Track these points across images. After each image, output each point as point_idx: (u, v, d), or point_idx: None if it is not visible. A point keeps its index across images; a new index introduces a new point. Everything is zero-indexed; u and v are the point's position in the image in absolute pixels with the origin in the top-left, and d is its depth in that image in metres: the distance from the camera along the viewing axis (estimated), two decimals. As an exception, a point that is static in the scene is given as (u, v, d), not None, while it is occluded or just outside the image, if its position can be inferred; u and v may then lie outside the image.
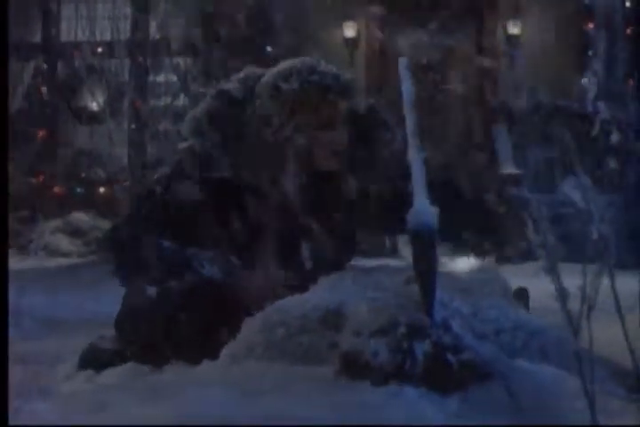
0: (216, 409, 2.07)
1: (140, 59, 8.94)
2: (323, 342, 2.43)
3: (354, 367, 2.11)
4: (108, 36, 8.94)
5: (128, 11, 8.96)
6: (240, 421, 1.97)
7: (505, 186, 7.66)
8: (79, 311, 4.79)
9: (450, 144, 8.35)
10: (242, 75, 3.08)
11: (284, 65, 3.02)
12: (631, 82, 7.89)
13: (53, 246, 8.50)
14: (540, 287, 3.70)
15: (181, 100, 9.03)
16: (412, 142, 2.60)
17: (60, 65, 9.09)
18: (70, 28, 9.04)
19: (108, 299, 5.14)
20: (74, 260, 8.22)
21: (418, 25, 9.05)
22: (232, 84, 3.06)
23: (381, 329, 2.13)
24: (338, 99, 2.98)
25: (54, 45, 9.00)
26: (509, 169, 7.73)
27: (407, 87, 2.89)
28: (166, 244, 2.88)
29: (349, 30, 9.34)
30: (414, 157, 2.52)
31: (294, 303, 2.57)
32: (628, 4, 8.19)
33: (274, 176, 2.93)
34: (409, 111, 2.75)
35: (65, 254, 8.47)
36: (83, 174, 9.37)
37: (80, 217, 8.75)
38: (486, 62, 8.47)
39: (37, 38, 9.09)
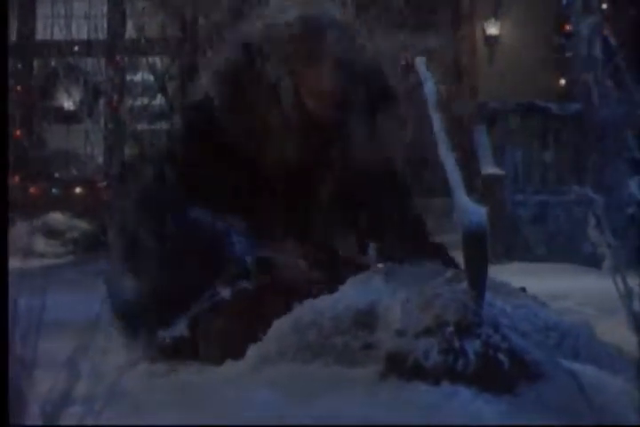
0: (263, 411, 2.04)
1: (117, 58, 8.88)
2: (356, 343, 2.42)
3: (402, 368, 2.10)
4: (84, 35, 8.87)
5: (105, 9, 8.90)
6: (291, 421, 1.95)
7: (486, 186, 7.69)
8: (72, 313, 4.72)
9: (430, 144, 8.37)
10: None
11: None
12: (609, 82, 7.96)
13: (30, 247, 8.41)
14: (532, 287, 3.72)
15: (158, 100, 8.99)
16: (441, 140, 2.60)
17: (35, 64, 9.01)
18: (46, 27, 8.95)
19: (97, 301, 5.08)
20: (51, 260, 8.14)
21: (396, 25, 9.07)
22: (254, 35, 2.96)
23: (428, 329, 2.12)
24: (324, 31, 2.91)
25: (30, 44, 8.90)
26: (490, 169, 7.76)
27: (429, 87, 2.88)
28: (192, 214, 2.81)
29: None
30: (446, 155, 2.51)
31: (326, 304, 2.55)
32: (604, 6, 8.28)
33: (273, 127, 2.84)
34: (434, 110, 2.75)
35: (41, 255, 8.40)
36: (56, 175, 9.29)
37: (56, 217, 8.68)
38: (466, 63, 8.51)
39: (12, 37, 8.99)
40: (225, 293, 2.62)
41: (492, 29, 8.74)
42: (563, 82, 8.25)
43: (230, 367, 2.61)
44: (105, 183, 8.67)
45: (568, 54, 8.10)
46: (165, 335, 2.75)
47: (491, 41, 8.69)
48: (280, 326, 2.59)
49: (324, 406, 2.04)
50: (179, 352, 2.74)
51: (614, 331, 2.85)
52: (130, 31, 8.74)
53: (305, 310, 2.59)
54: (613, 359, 2.48)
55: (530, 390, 2.02)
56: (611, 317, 3.62)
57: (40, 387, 1.84)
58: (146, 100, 8.85)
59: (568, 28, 8.23)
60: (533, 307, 2.55)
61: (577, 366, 2.23)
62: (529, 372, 2.06)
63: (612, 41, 2.42)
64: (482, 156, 7.79)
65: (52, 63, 8.74)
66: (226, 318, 2.62)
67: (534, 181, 7.80)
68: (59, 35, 8.75)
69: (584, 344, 2.45)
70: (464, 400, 1.95)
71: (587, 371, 2.22)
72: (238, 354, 2.52)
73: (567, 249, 7.25)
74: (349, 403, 2.04)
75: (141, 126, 8.74)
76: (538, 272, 6.76)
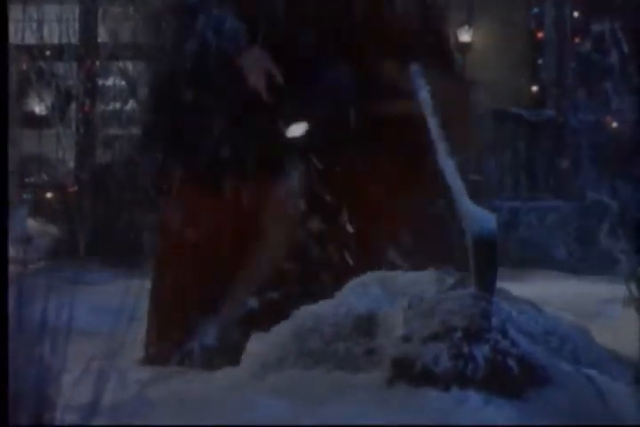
0: (268, 418, 2.03)
1: (89, 62, 8.81)
2: (358, 349, 2.43)
3: (410, 374, 2.10)
4: (56, 39, 8.79)
5: (77, 13, 8.83)
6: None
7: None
8: (55, 320, 4.68)
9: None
10: None
11: None
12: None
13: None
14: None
15: (130, 106, 8.93)
16: (441, 148, 2.61)
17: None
18: (17, 31, 8.85)
19: (78, 308, 5.05)
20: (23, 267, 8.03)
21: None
22: None
23: (436, 334, 2.13)
24: None
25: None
26: (469, 175, 7.80)
27: (424, 95, 2.89)
28: None
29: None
30: (446, 164, 2.53)
31: (325, 310, 2.56)
32: (575, 15, 8.36)
33: None
34: (431, 118, 2.76)
35: (12, 261, 8.27)
36: (26, 179, 9.20)
37: (28, 223, 8.58)
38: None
39: (-17, 41, 8.89)
40: (253, 303, 2.63)
41: (465, 37, 8.79)
42: (535, 88, 8.33)
43: (230, 375, 2.59)
44: (76, 188, 8.59)
45: (540, 61, 8.17)
46: (193, 346, 2.75)
47: (463, 48, 8.74)
48: (280, 332, 2.59)
49: (332, 412, 2.04)
50: (206, 363, 2.74)
51: (599, 336, 2.88)
52: (102, 35, 8.68)
53: (305, 316, 2.59)
54: (611, 364, 2.50)
55: (539, 395, 2.04)
56: (591, 322, 3.66)
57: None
58: (118, 106, 8.78)
59: (540, 35, 8.30)
60: (533, 312, 2.57)
61: (586, 372, 2.25)
62: (537, 377, 2.07)
63: (625, 48, 2.44)
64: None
65: (24, 67, 8.65)
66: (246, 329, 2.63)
67: (507, 188, 7.86)
68: (30, 38, 8.67)
69: (583, 349, 2.48)
70: (475, 406, 1.96)
71: (593, 376, 2.24)
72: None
73: (540, 255, 7.31)
74: (357, 409, 2.04)
75: (113, 131, 8.68)
76: (513, 278, 6.79)
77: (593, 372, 2.26)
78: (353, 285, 2.68)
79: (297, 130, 2.77)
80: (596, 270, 5.78)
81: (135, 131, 8.92)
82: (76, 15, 8.72)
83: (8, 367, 1.84)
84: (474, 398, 2.00)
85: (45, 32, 8.63)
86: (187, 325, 2.80)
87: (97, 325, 3.02)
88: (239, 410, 2.13)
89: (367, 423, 1.93)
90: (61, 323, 2.14)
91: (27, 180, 9.07)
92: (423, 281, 2.62)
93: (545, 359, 2.14)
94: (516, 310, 2.48)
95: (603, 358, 2.50)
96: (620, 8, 7.42)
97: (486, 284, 2.14)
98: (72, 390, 1.84)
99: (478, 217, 2.15)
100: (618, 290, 4.26)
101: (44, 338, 1.93)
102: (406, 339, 2.19)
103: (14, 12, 9.00)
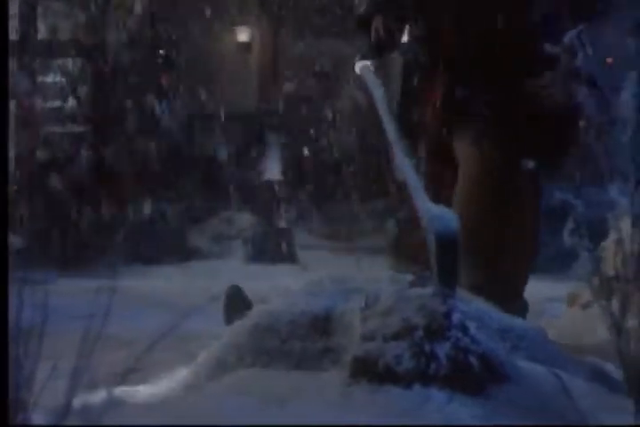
0: (241, 419, 2.01)
1: (28, 59, 8.67)
2: (315, 348, 2.43)
3: (372, 373, 2.10)
4: (-6, 36, 8.61)
5: (16, 9, 8.67)
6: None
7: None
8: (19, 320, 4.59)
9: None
10: None
11: None
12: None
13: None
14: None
15: (70, 103, 8.83)
16: (398, 149, 2.61)
17: (-57, 64, 8.71)
18: (-46, 27, 8.67)
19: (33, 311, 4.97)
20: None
21: (314, 33, 9.10)
22: None
23: (397, 333, 2.13)
24: None
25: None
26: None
27: (379, 94, 2.88)
28: None
29: (243, 35, 9.34)
30: (404, 164, 2.53)
31: (281, 308, 2.55)
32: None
33: None
34: (387, 119, 2.75)
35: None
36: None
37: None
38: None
39: None
40: None
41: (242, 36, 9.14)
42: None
43: (185, 376, 2.57)
44: (15, 187, 8.45)
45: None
46: None
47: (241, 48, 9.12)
48: (235, 331, 2.57)
49: (295, 411, 2.03)
50: None
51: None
52: (42, 32, 8.56)
53: (260, 315, 2.58)
54: (567, 361, 2.54)
55: (501, 391, 2.05)
56: (535, 320, 3.70)
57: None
58: (58, 103, 8.67)
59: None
60: (486, 309, 2.59)
61: (540, 369, 2.27)
62: (498, 373, 2.09)
63: (589, 50, 2.47)
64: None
65: (-39, 64, 8.47)
66: None
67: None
68: (-32, 35, 8.49)
69: (540, 346, 2.50)
70: (439, 403, 1.97)
71: (548, 372, 2.27)
72: None
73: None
74: (320, 408, 2.03)
75: (54, 129, 8.56)
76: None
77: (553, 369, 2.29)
78: (308, 283, 2.68)
79: None
80: (539, 269, 5.85)
81: (77, 128, 8.82)
82: (16, 11, 8.58)
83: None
84: (437, 395, 2.00)
85: (-17, 28, 8.49)
86: None
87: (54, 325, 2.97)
88: (206, 410, 2.10)
89: (333, 423, 1.92)
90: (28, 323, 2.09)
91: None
92: (378, 280, 2.62)
93: (505, 356, 2.16)
94: (473, 307, 2.49)
95: (557, 356, 2.53)
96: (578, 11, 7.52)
97: (449, 281, 2.15)
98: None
99: (439, 215, 2.15)
100: (560, 289, 4.33)
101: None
102: (366, 338, 2.19)
103: (-49, 8, 8.82)
